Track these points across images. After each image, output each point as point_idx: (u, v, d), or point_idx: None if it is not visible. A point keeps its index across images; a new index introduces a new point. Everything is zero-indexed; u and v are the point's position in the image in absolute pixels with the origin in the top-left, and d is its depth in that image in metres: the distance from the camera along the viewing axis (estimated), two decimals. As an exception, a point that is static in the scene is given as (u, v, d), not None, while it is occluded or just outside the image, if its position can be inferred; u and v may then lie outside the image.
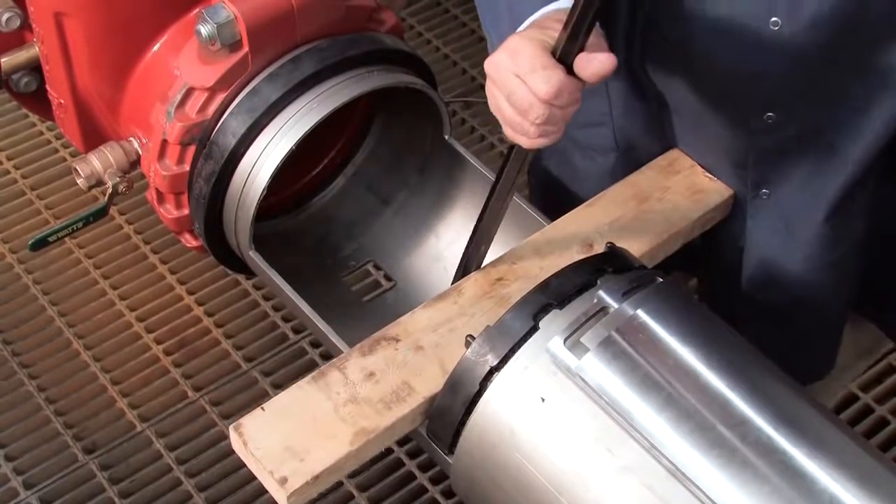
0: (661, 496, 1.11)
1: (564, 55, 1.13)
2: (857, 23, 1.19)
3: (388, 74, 1.63)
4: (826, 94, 1.28)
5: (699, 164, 1.48)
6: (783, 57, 1.22)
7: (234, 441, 1.24)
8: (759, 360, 1.24)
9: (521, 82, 1.13)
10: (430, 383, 1.26)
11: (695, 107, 1.36)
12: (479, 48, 2.69)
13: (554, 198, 1.58)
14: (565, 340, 1.18)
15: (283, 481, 1.19)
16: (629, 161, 1.49)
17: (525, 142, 1.19)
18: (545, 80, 1.12)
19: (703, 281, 1.65)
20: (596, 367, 1.16)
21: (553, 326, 1.20)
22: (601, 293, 1.22)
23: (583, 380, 1.16)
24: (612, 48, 1.19)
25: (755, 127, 1.32)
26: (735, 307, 1.54)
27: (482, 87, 2.60)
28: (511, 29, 1.21)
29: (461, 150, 1.72)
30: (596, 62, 1.12)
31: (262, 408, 1.25)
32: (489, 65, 1.17)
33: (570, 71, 1.13)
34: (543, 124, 1.15)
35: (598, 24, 1.15)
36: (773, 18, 1.19)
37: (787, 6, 1.18)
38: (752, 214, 1.44)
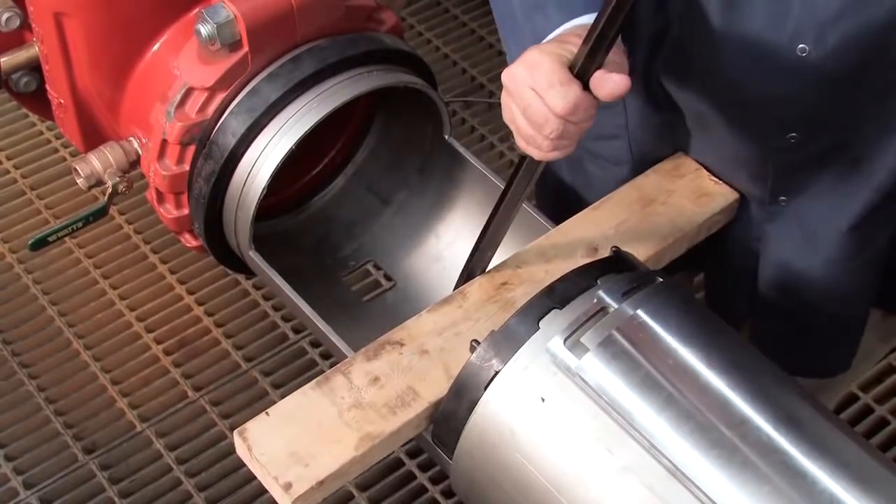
0: (661, 496, 1.11)
1: (582, 72, 1.13)
2: (885, 45, 1.17)
3: (387, 74, 1.62)
4: (852, 114, 1.26)
5: (714, 172, 1.47)
6: (810, 81, 1.21)
7: (239, 446, 1.23)
8: (760, 360, 1.24)
9: (537, 96, 1.13)
10: (434, 388, 1.26)
11: (715, 125, 1.35)
12: (479, 48, 2.69)
13: (564, 204, 1.57)
14: (565, 340, 1.18)
15: (287, 487, 1.18)
16: (643, 171, 1.49)
17: (538, 154, 1.19)
18: (562, 95, 1.11)
19: (711, 279, 1.64)
20: (596, 367, 1.16)
21: (553, 326, 1.19)
22: (601, 293, 1.21)
23: (583, 380, 1.16)
24: (632, 65, 1.19)
25: (777, 145, 1.31)
26: (749, 308, 1.53)
27: (482, 86, 2.63)
28: (533, 44, 1.21)
29: (461, 150, 1.72)
30: (611, 82, 1.12)
31: (267, 413, 1.24)
32: (506, 76, 1.16)
33: (586, 87, 1.13)
34: (557, 139, 1.15)
35: (620, 41, 1.15)
36: (801, 45, 1.18)
37: (815, 32, 1.17)
38: (769, 220, 1.43)
